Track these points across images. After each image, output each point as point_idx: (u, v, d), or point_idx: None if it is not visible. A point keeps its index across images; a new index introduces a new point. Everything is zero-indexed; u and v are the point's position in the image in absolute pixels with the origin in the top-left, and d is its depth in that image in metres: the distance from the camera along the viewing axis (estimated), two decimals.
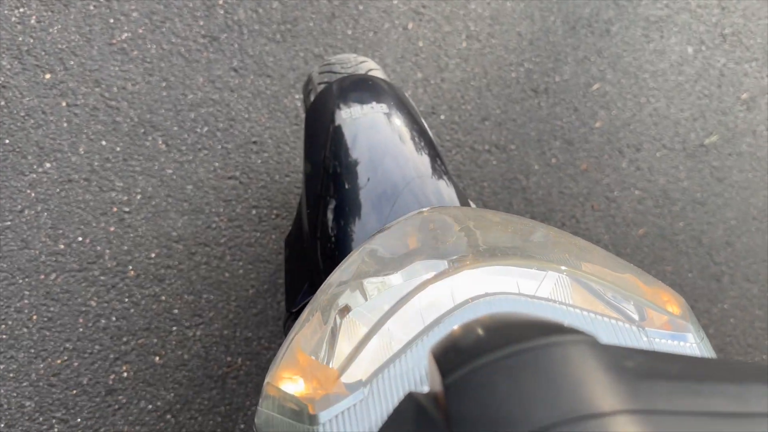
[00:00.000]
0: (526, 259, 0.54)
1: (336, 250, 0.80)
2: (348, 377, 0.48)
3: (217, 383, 1.40)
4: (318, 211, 0.84)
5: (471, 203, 0.93)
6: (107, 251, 1.38)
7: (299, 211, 0.97)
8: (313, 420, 0.46)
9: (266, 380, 0.55)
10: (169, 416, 1.36)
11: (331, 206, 0.82)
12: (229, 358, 1.41)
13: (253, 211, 1.49)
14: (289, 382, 0.52)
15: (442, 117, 1.68)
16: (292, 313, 0.90)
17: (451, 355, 0.32)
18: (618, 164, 1.80)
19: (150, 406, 1.35)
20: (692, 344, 0.49)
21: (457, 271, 0.52)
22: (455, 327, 0.37)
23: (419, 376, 0.47)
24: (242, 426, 1.40)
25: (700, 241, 1.83)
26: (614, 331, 0.48)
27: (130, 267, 1.39)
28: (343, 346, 0.51)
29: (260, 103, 1.55)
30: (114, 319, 1.36)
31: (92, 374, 1.33)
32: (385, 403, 0.46)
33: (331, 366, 0.50)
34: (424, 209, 0.66)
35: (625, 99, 1.85)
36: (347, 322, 0.53)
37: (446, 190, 0.83)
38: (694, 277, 1.79)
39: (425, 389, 0.46)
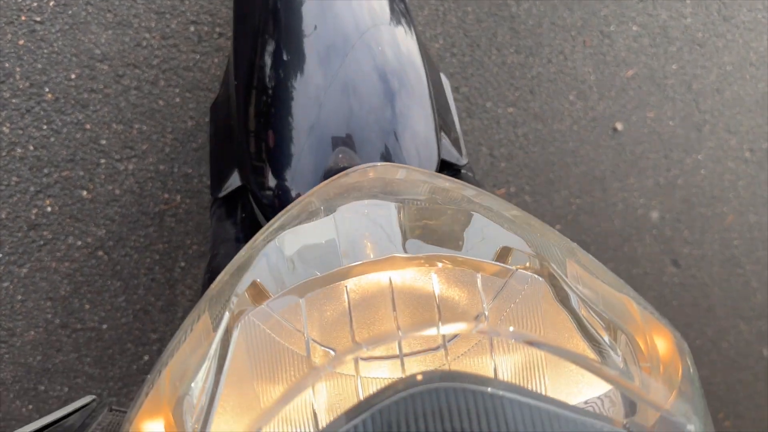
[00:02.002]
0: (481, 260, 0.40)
1: (269, 127, 0.65)
2: None
3: (154, 220, 1.29)
4: (251, 77, 0.67)
5: (435, 67, 0.75)
6: (17, 69, 1.17)
7: (227, 72, 0.79)
8: None
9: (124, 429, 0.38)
10: (100, 253, 1.26)
11: (267, 66, 0.66)
12: (166, 195, 1.29)
13: (192, 28, 1.26)
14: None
15: None
16: (218, 198, 0.76)
17: None
18: None
19: (79, 242, 1.25)
20: None
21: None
22: None
23: None
24: (182, 264, 1.32)
25: (690, 87, 1.68)
26: None
27: (47, 89, 1.19)
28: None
29: None
30: (32, 148, 1.20)
31: (11, 208, 1.20)
32: None
33: (211, 417, 0.36)
34: (368, 169, 0.49)
35: None
36: (245, 330, 0.38)
37: (405, 41, 0.69)
38: (674, 125, 1.68)
39: None
